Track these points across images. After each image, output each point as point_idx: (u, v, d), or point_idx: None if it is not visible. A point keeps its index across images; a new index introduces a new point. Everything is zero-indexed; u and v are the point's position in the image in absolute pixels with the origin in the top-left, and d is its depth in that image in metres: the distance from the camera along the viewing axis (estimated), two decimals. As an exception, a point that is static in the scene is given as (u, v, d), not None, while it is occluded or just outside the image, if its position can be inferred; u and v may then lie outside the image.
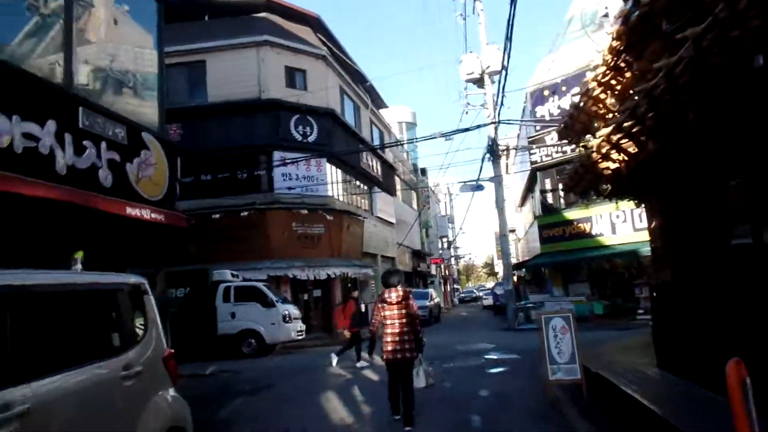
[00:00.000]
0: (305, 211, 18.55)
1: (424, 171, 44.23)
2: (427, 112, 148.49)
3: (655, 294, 6.86)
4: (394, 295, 5.75)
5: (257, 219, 18.18)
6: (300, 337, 15.29)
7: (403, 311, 5.71)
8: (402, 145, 29.36)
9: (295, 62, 20.07)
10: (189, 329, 13.94)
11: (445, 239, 52.69)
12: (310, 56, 20.50)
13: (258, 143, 18.96)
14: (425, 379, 5.79)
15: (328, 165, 20.56)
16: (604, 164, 6.14)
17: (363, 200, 25.61)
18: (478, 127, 17.00)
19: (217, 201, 18.53)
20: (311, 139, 19.71)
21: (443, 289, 48.83)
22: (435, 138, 16.72)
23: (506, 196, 21.95)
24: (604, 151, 5.81)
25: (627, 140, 5.37)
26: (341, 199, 21.70)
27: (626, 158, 5.73)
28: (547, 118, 21.62)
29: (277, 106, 19.00)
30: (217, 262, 15.73)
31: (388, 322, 5.73)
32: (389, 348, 5.69)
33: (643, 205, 16.16)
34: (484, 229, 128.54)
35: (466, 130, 16.41)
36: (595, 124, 7.06)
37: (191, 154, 19.16)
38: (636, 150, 5.58)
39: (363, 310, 12.94)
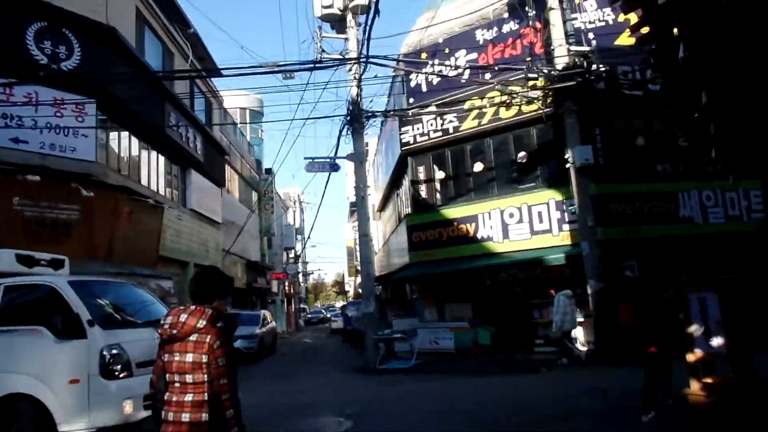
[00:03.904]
0: (37, 178, 10.81)
1: (269, 170, 37.39)
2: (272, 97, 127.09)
3: None
4: (185, 316, 2.52)
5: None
6: (143, 416, 5.55)
7: (202, 356, 2.47)
8: (203, 76, 22.15)
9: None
10: None
11: (291, 252, 46.08)
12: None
13: (-44, 55, 10.88)
14: None
15: (99, 114, 13.02)
16: None
17: (172, 189, 18.16)
18: (330, 65, 11.03)
19: None
20: (68, 65, 12.08)
21: (286, 310, 42.00)
22: (272, 72, 10.45)
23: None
24: None
25: None
26: (123, 170, 14.17)
27: None
28: (424, 88, 16.70)
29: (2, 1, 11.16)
30: None
31: (168, 376, 2.55)
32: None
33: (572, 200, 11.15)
34: (336, 243, 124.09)
35: (314, 64, 10.44)
36: None
37: None
38: None
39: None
